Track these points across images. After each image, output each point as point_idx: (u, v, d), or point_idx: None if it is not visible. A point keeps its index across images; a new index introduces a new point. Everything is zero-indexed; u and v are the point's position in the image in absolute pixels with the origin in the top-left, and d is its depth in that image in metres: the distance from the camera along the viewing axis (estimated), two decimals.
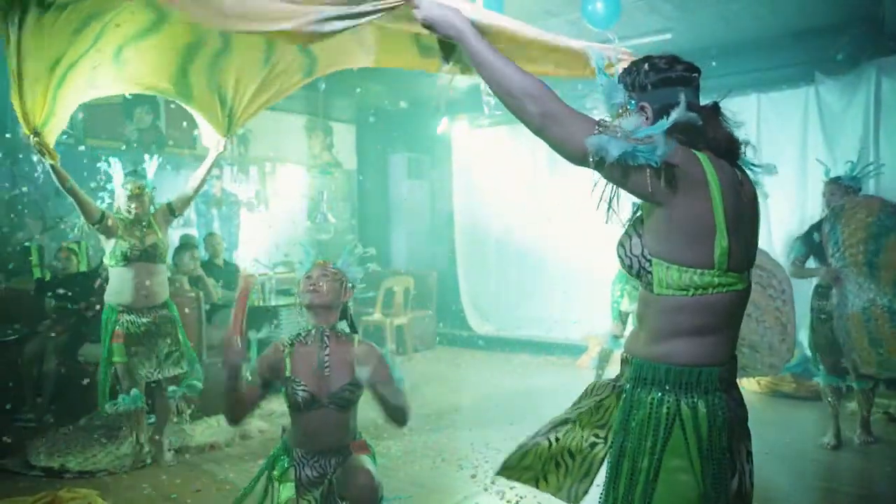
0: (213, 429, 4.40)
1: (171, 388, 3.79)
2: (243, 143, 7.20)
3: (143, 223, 3.71)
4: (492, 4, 4.47)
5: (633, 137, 1.29)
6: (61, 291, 4.70)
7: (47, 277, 4.95)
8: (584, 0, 4.62)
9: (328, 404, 2.21)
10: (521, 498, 3.36)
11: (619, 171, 1.31)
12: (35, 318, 4.77)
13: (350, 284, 2.35)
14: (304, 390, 2.18)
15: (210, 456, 4.03)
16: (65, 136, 3.51)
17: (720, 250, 1.34)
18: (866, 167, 3.96)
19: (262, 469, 2.35)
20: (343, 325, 2.38)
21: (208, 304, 5.07)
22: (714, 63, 5.06)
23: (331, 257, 2.40)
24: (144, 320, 3.66)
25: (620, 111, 1.46)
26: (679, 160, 1.32)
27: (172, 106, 5.15)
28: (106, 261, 3.69)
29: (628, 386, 1.47)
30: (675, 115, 1.34)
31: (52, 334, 4.70)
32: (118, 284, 3.66)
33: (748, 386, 5.19)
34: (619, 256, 1.47)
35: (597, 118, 1.35)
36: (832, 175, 4.03)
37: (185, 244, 5.32)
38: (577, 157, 1.35)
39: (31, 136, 2.94)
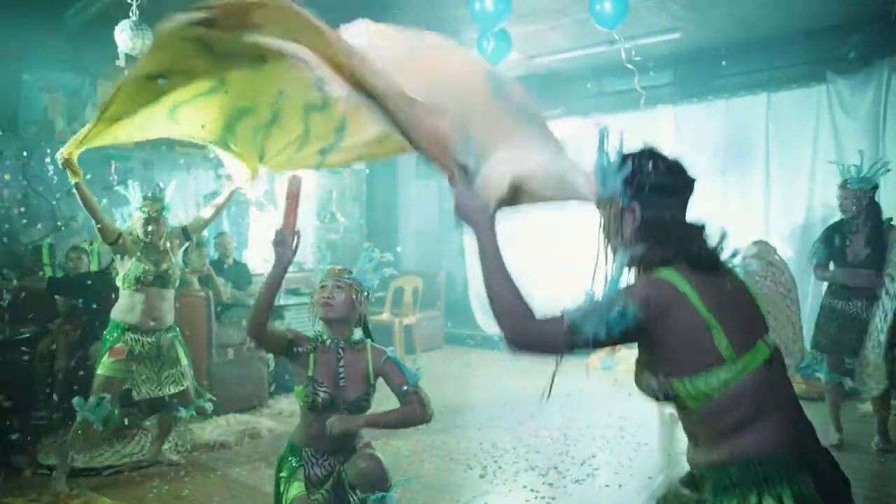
0: (222, 428, 4.43)
1: (181, 407, 3.75)
2: None
3: (159, 247, 3.69)
4: (500, 4, 4.46)
5: (602, 312, 1.33)
6: (72, 290, 4.73)
7: (59, 276, 4.99)
8: None
9: (343, 409, 2.24)
10: (528, 500, 3.36)
11: (603, 343, 1.35)
12: (47, 317, 4.81)
13: (365, 294, 2.34)
14: (325, 391, 2.21)
15: (219, 455, 4.06)
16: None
17: (722, 345, 1.34)
18: (874, 166, 3.93)
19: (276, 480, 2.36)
20: (358, 332, 2.38)
21: (218, 303, 5.09)
22: (724, 62, 5.04)
23: (341, 258, 2.39)
24: (150, 340, 3.65)
25: (609, 203, 1.49)
26: (651, 301, 1.35)
27: None
28: (118, 283, 3.67)
29: (710, 497, 1.41)
30: (624, 258, 1.41)
31: (64, 333, 4.74)
32: (127, 305, 3.63)
33: None
34: (644, 393, 1.48)
35: (559, 313, 1.39)
36: (845, 176, 4.00)
37: (195, 243, 5.34)
38: (551, 355, 1.43)
39: (63, 155, 3.06)
